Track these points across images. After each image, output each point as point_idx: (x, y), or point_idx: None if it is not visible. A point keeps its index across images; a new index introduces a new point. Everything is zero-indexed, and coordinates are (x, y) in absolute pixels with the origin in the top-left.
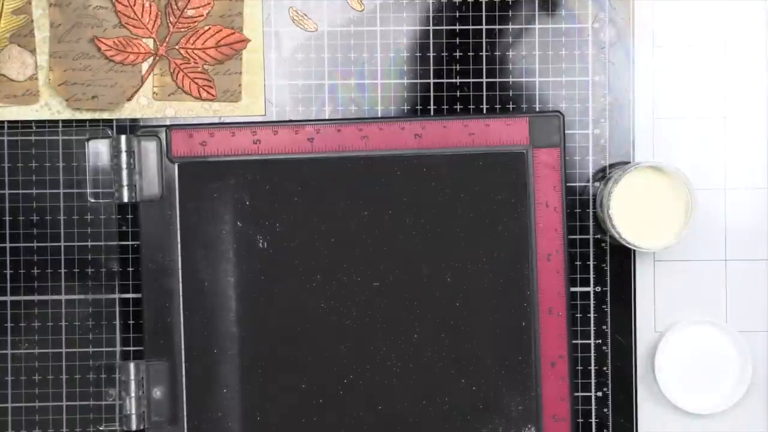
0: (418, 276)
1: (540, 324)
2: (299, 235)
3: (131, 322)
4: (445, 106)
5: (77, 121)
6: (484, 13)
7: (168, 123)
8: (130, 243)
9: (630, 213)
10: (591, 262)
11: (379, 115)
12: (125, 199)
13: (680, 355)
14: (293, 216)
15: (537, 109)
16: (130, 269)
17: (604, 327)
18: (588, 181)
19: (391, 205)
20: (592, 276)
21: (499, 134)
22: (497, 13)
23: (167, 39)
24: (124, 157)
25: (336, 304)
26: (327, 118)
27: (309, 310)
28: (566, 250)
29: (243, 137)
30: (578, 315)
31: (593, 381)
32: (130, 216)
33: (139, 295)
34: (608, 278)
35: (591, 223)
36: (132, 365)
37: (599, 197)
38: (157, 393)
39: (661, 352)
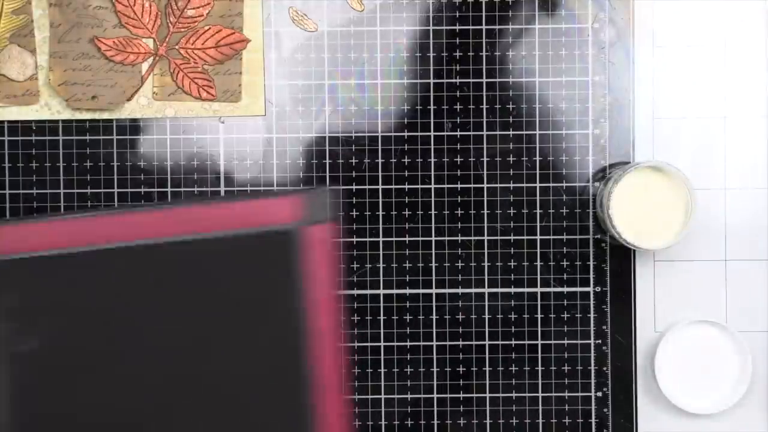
0: (192, 366)
1: (319, 399)
2: (62, 336)
3: None
4: (445, 107)
5: (77, 121)
6: (484, 13)
7: (168, 123)
8: None
9: (630, 213)
10: (591, 262)
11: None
12: None
13: (680, 355)
14: (55, 316)
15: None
16: None
17: (604, 327)
18: (588, 181)
19: (156, 296)
20: (592, 276)
21: (268, 213)
22: (497, 13)
23: (167, 39)
24: None
25: (109, 402)
26: (88, 211)
27: (80, 408)
28: (339, 323)
29: None
30: (578, 315)
31: (593, 381)
32: None
33: None
34: (608, 278)
35: (591, 223)
36: None
37: (599, 197)
38: None
39: (662, 351)
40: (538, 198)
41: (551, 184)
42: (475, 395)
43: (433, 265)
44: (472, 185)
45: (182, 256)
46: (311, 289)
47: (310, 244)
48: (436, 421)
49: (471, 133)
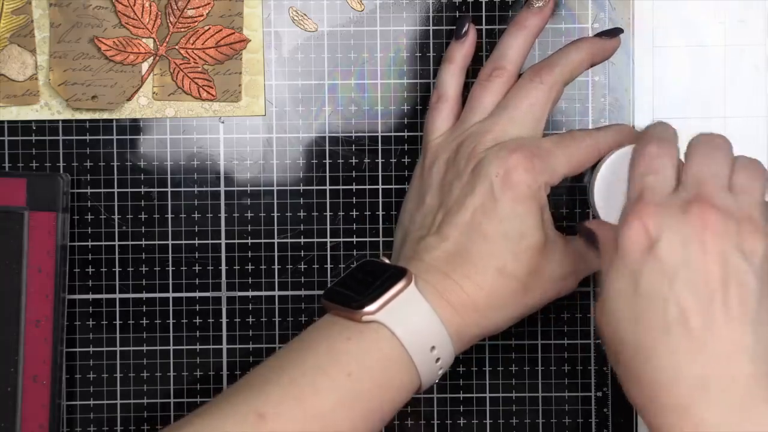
0: None
1: (23, 391)
2: None
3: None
4: None
5: (77, 121)
6: (484, 13)
7: (168, 123)
8: None
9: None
10: None
11: (379, 116)
12: None
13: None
14: None
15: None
16: None
17: None
18: (588, 181)
19: None
20: (592, 276)
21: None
22: (497, 13)
23: (167, 39)
24: None
25: None
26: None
27: None
28: (58, 317)
29: None
30: (578, 315)
31: (593, 381)
32: None
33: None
34: None
35: None
36: None
37: (589, 185)
38: None
39: (600, 177)
40: None
41: None
42: (475, 395)
43: None
44: None
45: None
46: (29, 278)
47: (33, 232)
48: (436, 421)
49: None
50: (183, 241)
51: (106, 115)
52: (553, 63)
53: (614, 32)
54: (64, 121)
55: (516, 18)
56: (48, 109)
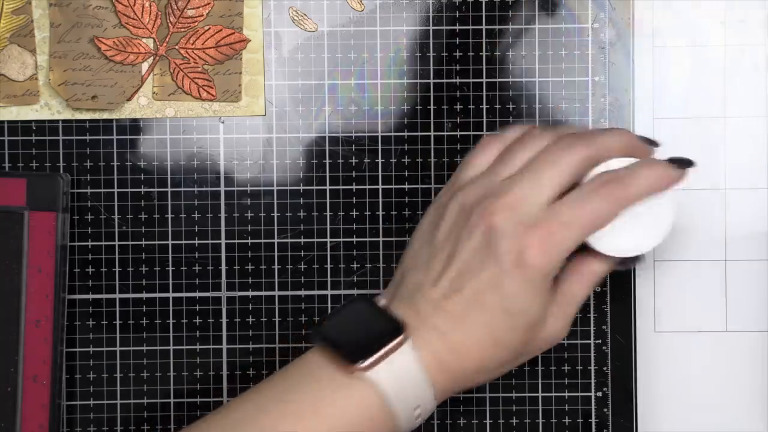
0: None
1: (23, 391)
2: None
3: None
4: (445, 107)
5: (77, 121)
6: (484, 13)
7: (168, 123)
8: None
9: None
10: None
11: (378, 116)
12: None
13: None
14: None
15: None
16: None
17: (604, 327)
18: None
19: None
20: None
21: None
22: (497, 13)
23: (167, 39)
24: None
25: None
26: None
27: None
28: (58, 317)
29: None
30: (578, 315)
31: (593, 381)
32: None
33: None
34: (608, 278)
35: None
36: None
37: None
38: None
39: None
40: None
41: None
42: (475, 395)
43: None
44: None
45: None
46: (29, 278)
47: (33, 232)
48: (436, 421)
49: (471, 133)
50: (183, 241)
51: (106, 115)
52: (623, 181)
53: (684, 163)
54: (64, 121)
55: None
56: (48, 109)
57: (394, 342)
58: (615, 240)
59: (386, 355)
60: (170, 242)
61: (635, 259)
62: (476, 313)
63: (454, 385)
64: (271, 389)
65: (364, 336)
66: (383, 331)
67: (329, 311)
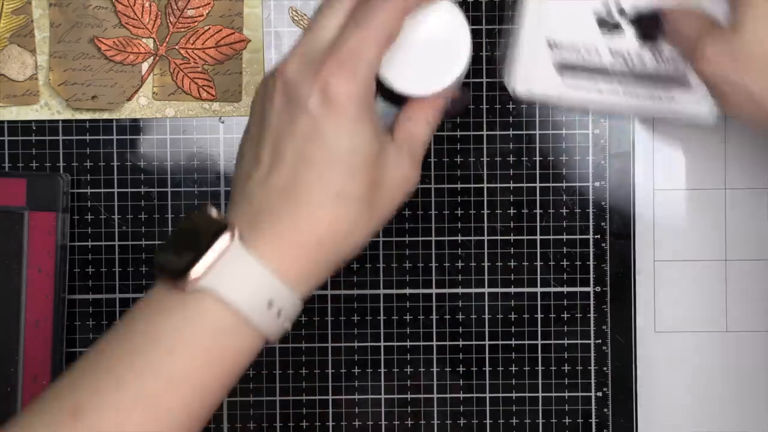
0: None
1: (23, 391)
2: None
3: None
4: None
5: (77, 121)
6: (484, 13)
7: (168, 123)
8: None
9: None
10: (591, 262)
11: None
12: None
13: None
14: None
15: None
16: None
17: (604, 327)
18: (588, 181)
19: None
20: (592, 276)
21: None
22: (497, 13)
23: (167, 39)
24: None
25: None
26: None
27: None
28: (58, 317)
29: None
30: (578, 315)
31: (593, 381)
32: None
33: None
34: (608, 278)
35: (591, 223)
36: None
37: None
38: None
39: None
40: (538, 198)
41: (551, 184)
42: (475, 395)
43: (433, 265)
44: (472, 185)
45: None
46: (29, 278)
47: (33, 232)
48: (436, 421)
49: (471, 133)
50: None
51: (106, 115)
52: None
53: None
54: (64, 121)
55: None
56: (48, 109)
57: (221, 243)
58: (416, 77)
59: (217, 259)
60: None
61: (460, 102)
62: (306, 173)
63: (313, 265)
64: (108, 337)
65: (194, 247)
66: (206, 236)
67: (328, 311)
